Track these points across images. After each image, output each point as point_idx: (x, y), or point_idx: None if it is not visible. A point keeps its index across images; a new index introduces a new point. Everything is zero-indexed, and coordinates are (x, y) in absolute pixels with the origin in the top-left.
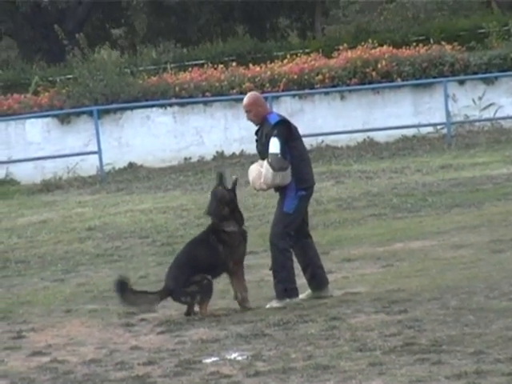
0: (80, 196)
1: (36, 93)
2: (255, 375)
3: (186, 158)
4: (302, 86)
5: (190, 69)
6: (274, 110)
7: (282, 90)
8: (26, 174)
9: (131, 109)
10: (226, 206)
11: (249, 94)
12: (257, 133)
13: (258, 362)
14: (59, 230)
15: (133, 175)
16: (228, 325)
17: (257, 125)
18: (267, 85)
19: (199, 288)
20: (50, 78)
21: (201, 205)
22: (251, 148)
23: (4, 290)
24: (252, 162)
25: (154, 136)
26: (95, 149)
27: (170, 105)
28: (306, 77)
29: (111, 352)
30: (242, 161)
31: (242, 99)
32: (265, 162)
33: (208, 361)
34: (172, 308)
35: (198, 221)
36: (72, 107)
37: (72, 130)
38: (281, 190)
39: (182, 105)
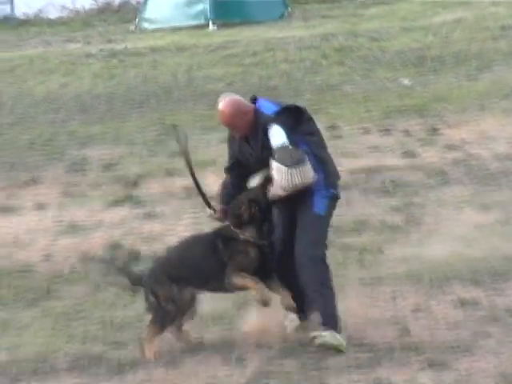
0: None
1: None
2: None
3: None
4: None
5: None
6: None
7: None
8: None
9: None
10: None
11: (223, 104)
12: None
13: None
14: (473, 29)
15: None
16: None
17: (249, 134)
18: None
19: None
20: None
21: None
22: None
23: (420, 87)
24: None
25: None
26: None
27: None
28: None
29: None
30: None
31: None
32: (272, 163)
33: None
34: None
35: None
36: None
37: None
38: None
39: None
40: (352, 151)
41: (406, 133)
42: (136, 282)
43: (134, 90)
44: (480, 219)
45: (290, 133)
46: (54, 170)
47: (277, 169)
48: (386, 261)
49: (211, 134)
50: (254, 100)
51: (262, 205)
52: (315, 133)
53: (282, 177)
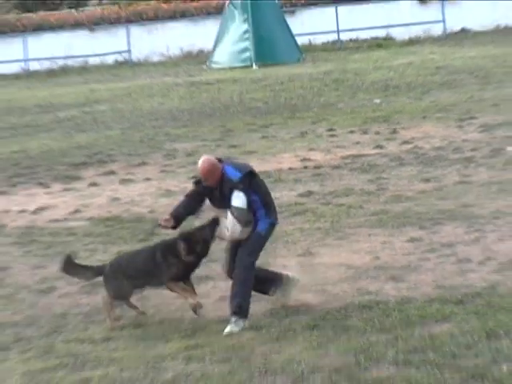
0: (431, 48)
1: None
2: None
3: None
4: None
5: None
6: None
7: None
8: (398, 34)
9: None
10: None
11: (203, 161)
12: (207, 190)
13: None
14: (419, 68)
15: (464, 35)
16: None
17: (215, 186)
18: None
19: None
20: None
21: None
22: None
23: (386, 105)
24: None
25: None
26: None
27: None
28: None
29: (450, 142)
30: None
31: None
32: (229, 215)
33: (510, 149)
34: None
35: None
36: None
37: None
38: None
39: None
40: (343, 144)
41: (377, 133)
42: (97, 274)
43: (206, 107)
44: (423, 187)
45: (246, 190)
46: (155, 157)
47: (232, 222)
48: (364, 213)
49: (254, 133)
50: (219, 160)
51: (208, 241)
52: (262, 186)
53: (232, 229)
